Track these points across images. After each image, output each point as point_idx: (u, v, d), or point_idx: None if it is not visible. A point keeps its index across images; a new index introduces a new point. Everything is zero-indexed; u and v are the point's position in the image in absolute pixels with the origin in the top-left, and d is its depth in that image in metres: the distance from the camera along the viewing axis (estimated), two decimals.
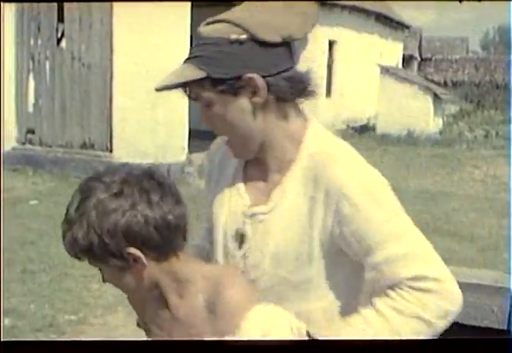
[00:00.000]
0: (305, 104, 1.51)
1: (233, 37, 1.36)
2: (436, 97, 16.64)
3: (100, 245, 1.31)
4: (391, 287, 1.40)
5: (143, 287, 1.44)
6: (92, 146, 10.23)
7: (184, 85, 1.43)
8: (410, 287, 1.38)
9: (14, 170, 10.79)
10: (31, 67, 11.09)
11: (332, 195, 1.39)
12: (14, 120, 11.17)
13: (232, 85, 1.38)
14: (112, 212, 1.29)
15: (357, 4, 16.85)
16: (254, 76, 1.37)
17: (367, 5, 17.70)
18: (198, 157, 10.41)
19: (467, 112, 21.59)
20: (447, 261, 1.46)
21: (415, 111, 16.10)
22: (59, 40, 10.93)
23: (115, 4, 10.00)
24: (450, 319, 1.45)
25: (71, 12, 10.55)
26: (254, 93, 1.38)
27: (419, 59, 27.98)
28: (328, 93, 16.64)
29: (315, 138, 1.48)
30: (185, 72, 1.40)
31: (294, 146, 1.46)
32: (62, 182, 9.50)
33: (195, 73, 1.38)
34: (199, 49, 1.40)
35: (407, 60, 25.25)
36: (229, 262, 1.52)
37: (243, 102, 1.40)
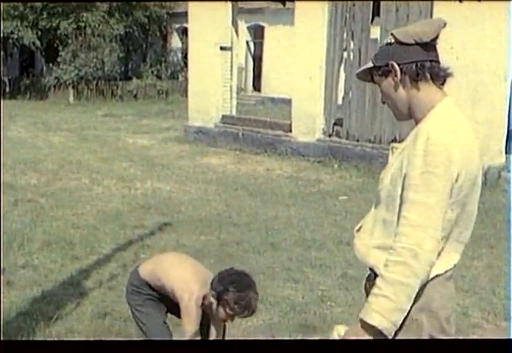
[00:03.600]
0: None
1: (388, 40, 2.17)
2: None
3: None
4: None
5: None
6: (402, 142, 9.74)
7: (371, 75, 2.27)
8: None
9: (319, 162, 10.83)
10: (342, 59, 11.00)
11: (414, 144, 2.07)
12: (321, 111, 11.19)
13: (383, 70, 2.17)
14: None
15: None
16: (393, 63, 2.13)
17: None
18: None
19: None
20: None
21: None
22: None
23: None
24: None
25: (388, 3, 10.24)
26: (395, 74, 2.15)
27: None
28: None
29: (443, 107, 2.14)
30: (367, 64, 2.25)
31: (427, 110, 2.14)
32: (370, 178, 9.21)
33: (369, 64, 2.23)
34: (377, 51, 2.25)
35: None
36: None
37: (390, 80, 2.18)
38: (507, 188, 8.89)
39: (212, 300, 3.11)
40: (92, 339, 3.91)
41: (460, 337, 2.07)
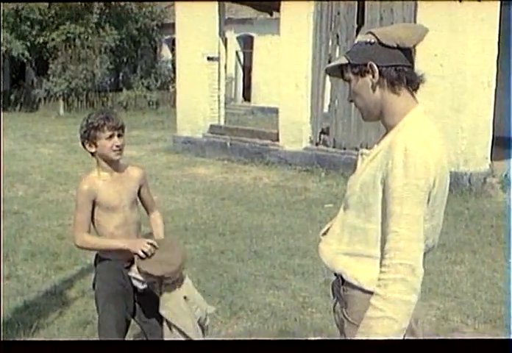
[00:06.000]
0: None
1: (368, 39, 2.13)
2: None
3: None
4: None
5: None
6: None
7: (341, 71, 2.22)
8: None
9: (306, 171, 10.87)
10: None
11: (390, 154, 2.03)
12: (308, 120, 11.26)
13: (360, 69, 2.13)
14: None
15: None
16: (372, 64, 2.10)
17: None
18: (501, 167, 9.57)
19: None
20: None
21: None
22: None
23: (420, 2, 9.57)
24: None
25: (372, 12, 10.33)
26: (373, 75, 2.12)
27: None
28: None
29: (415, 116, 2.13)
30: (339, 60, 2.22)
31: (399, 118, 2.13)
32: None
33: (343, 60, 2.19)
34: (352, 48, 2.20)
35: None
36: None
37: (366, 80, 2.14)
38: (493, 194, 8.96)
39: None
40: (91, 339, 3.96)
41: (460, 338, 2.06)
